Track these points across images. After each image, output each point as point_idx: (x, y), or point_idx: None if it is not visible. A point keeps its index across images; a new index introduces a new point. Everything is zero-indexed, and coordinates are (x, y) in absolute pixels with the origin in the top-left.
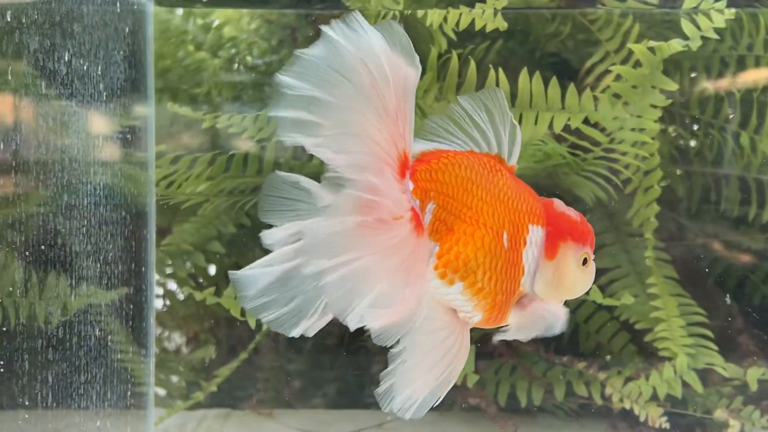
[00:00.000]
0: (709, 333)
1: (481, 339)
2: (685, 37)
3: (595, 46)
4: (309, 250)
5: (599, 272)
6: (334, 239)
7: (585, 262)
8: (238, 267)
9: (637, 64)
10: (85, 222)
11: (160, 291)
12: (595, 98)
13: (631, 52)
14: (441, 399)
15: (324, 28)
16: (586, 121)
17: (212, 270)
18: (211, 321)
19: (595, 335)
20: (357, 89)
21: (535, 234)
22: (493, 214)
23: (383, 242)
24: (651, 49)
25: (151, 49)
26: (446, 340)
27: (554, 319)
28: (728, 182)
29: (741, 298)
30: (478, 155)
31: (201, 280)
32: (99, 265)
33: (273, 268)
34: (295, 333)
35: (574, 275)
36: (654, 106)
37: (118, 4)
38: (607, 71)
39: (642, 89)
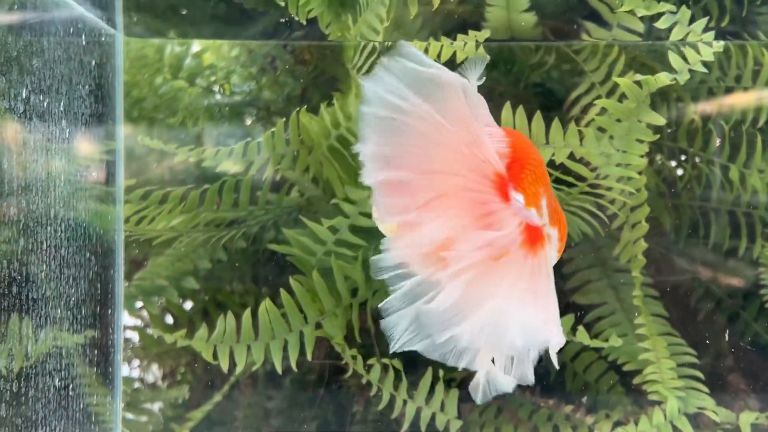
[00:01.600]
0: (700, 374)
1: (463, 382)
2: (673, 70)
3: (580, 77)
4: (429, 328)
5: (586, 309)
6: (449, 312)
7: None
8: (215, 303)
9: (624, 97)
10: (44, 267)
11: (133, 323)
12: (581, 133)
13: (617, 84)
14: None
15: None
16: (571, 156)
17: (187, 305)
18: (185, 358)
19: (582, 375)
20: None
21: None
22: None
23: (499, 283)
24: (638, 83)
25: (120, 80)
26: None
27: None
28: (717, 216)
29: (732, 334)
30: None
31: (175, 318)
32: (60, 311)
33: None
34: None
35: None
36: (641, 141)
37: (83, 36)
38: (593, 103)
39: (629, 124)
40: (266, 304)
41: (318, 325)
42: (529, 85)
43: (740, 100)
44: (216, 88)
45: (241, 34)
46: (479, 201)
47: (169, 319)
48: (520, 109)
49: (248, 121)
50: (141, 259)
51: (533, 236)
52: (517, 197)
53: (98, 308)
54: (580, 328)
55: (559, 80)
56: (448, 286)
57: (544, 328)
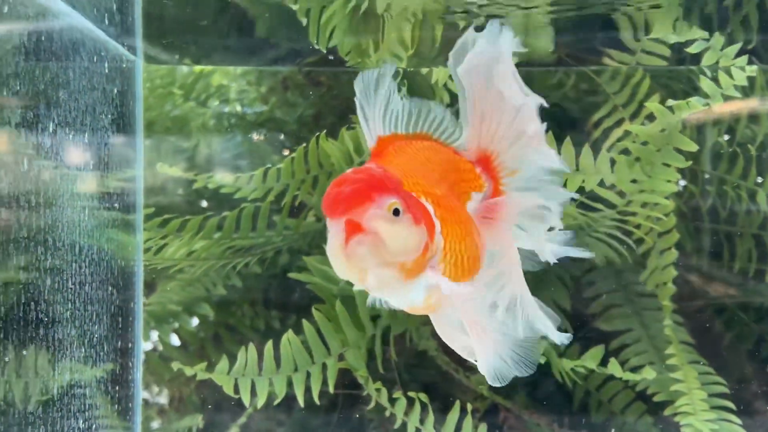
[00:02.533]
0: (731, 405)
1: (489, 411)
2: (703, 93)
3: (596, 95)
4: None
5: (610, 336)
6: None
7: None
8: (228, 328)
9: (647, 119)
10: (70, 305)
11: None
12: (612, 159)
13: (641, 107)
14: None
15: None
16: (601, 183)
17: (199, 331)
18: (194, 384)
19: (608, 405)
20: None
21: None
22: None
23: None
24: (670, 108)
25: (140, 107)
26: None
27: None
28: (742, 240)
29: (757, 360)
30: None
31: (185, 343)
32: (84, 348)
33: None
34: None
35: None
36: (667, 165)
37: (106, 64)
38: (616, 125)
39: (660, 150)
40: (288, 335)
41: (341, 357)
42: (550, 105)
43: (766, 123)
44: (227, 109)
45: (254, 60)
46: None
47: (176, 342)
48: (550, 135)
49: (261, 143)
50: (151, 283)
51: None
52: None
53: (118, 341)
54: (613, 360)
55: (577, 102)
56: None
57: None
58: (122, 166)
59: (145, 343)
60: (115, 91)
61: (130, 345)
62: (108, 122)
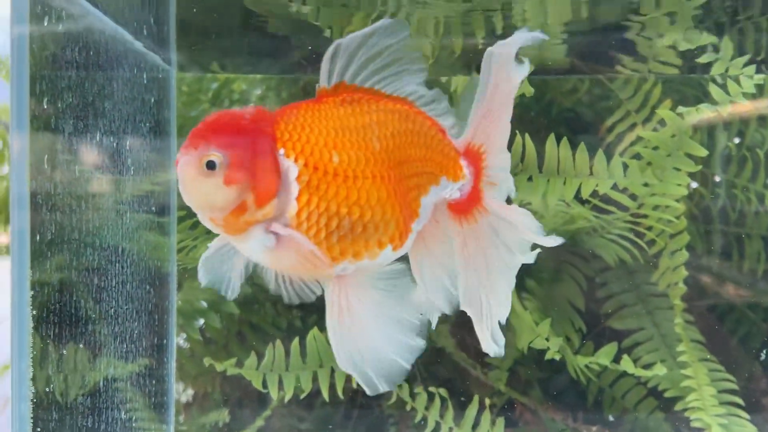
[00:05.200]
0: (740, 401)
1: (505, 406)
2: (712, 100)
3: (608, 100)
4: None
5: (623, 334)
6: None
7: (212, 165)
8: (251, 326)
9: (659, 124)
10: (113, 303)
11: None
12: (625, 164)
13: (653, 112)
14: None
15: None
16: (614, 186)
17: (225, 328)
18: (218, 380)
19: (621, 401)
20: None
21: None
22: None
23: None
24: (680, 115)
25: (174, 115)
26: None
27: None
28: (751, 240)
29: (766, 358)
30: None
31: (208, 341)
32: (125, 344)
33: None
34: None
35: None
36: (678, 169)
37: (144, 74)
38: (629, 130)
39: (671, 154)
40: (314, 332)
41: None
42: (562, 110)
43: None
44: None
45: (276, 67)
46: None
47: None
48: (565, 141)
49: None
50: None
51: None
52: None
53: (154, 337)
54: (625, 357)
55: (590, 107)
56: None
57: None
58: (158, 170)
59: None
60: (153, 100)
61: (164, 341)
62: (146, 130)
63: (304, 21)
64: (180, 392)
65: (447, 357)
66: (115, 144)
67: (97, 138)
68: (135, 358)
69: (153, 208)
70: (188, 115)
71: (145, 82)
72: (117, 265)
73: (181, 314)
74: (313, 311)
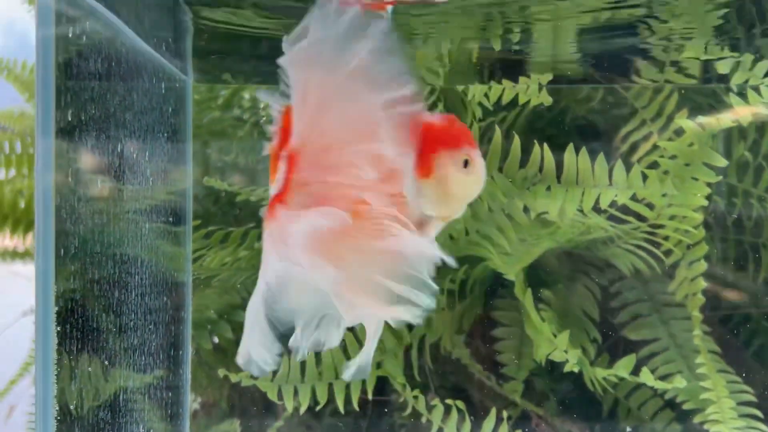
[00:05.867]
0: (759, 413)
1: (521, 418)
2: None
3: (623, 108)
4: None
5: (639, 345)
6: None
7: (467, 164)
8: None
9: (676, 134)
10: (132, 316)
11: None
12: (644, 174)
13: (669, 121)
14: None
15: None
16: (633, 197)
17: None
18: (226, 390)
19: (637, 412)
20: None
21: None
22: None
23: None
24: (700, 125)
25: (190, 125)
26: None
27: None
28: (767, 250)
29: None
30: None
31: (218, 350)
32: (144, 356)
33: None
34: None
35: (459, 182)
36: (696, 179)
37: (163, 85)
38: (644, 139)
39: (691, 165)
40: None
41: (378, 365)
42: (576, 118)
43: None
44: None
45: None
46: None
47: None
48: (584, 151)
49: None
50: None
51: None
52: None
53: (171, 348)
54: (644, 369)
55: (605, 115)
56: None
57: None
58: (175, 180)
59: None
60: (170, 110)
61: (180, 352)
62: (164, 140)
63: None
64: (190, 402)
65: (462, 368)
66: (135, 154)
67: (119, 149)
68: (152, 370)
69: (170, 219)
70: (200, 122)
71: (163, 92)
72: (137, 276)
73: (192, 324)
74: None
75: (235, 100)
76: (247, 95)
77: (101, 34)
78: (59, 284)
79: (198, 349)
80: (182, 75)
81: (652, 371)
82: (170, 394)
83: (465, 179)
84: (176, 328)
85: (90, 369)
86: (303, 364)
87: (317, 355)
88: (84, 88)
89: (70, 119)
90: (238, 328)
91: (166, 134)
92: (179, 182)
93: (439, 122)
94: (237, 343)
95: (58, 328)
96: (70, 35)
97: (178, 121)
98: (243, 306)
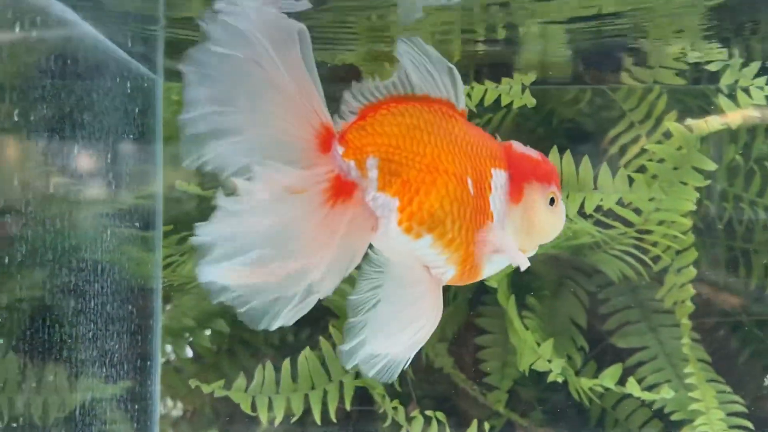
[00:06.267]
0: (749, 424)
1: (504, 428)
2: (720, 111)
3: (611, 110)
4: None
5: (627, 353)
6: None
7: (552, 202)
8: (242, 343)
9: (665, 136)
10: (92, 326)
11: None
12: (630, 178)
13: (658, 124)
14: (410, 361)
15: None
16: (619, 201)
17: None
18: (207, 397)
19: (624, 423)
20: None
21: (499, 178)
22: (453, 159)
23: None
24: (688, 128)
25: (160, 126)
26: (422, 298)
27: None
28: (758, 256)
29: None
30: (425, 101)
31: (199, 358)
32: (105, 367)
33: None
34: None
35: (544, 216)
36: (684, 183)
37: (128, 83)
38: (633, 142)
39: (679, 168)
40: (306, 353)
41: (357, 375)
42: (563, 120)
43: None
44: None
45: None
46: (295, 146)
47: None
48: (568, 154)
49: None
50: (165, 297)
51: (341, 188)
52: (338, 148)
53: (137, 358)
54: (631, 379)
55: (593, 117)
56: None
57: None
58: (143, 183)
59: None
60: (137, 110)
61: (148, 362)
62: (130, 141)
63: None
64: (168, 409)
65: (444, 377)
66: (95, 157)
67: (75, 150)
68: (115, 381)
69: (137, 223)
70: (176, 123)
71: (128, 91)
72: (96, 284)
73: (168, 332)
74: (306, 325)
75: None
76: None
77: (55, 29)
78: (2, 295)
79: (177, 357)
80: (151, 73)
81: (641, 380)
82: (136, 404)
83: (549, 215)
84: (144, 337)
85: (44, 377)
86: (277, 372)
87: (293, 364)
88: (33, 86)
89: (16, 119)
90: (217, 335)
91: (131, 135)
92: (148, 185)
93: (533, 155)
94: (215, 351)
95: (0, 341)
96: (17, 30)
97: (145, 122)
98: (220, 313)
